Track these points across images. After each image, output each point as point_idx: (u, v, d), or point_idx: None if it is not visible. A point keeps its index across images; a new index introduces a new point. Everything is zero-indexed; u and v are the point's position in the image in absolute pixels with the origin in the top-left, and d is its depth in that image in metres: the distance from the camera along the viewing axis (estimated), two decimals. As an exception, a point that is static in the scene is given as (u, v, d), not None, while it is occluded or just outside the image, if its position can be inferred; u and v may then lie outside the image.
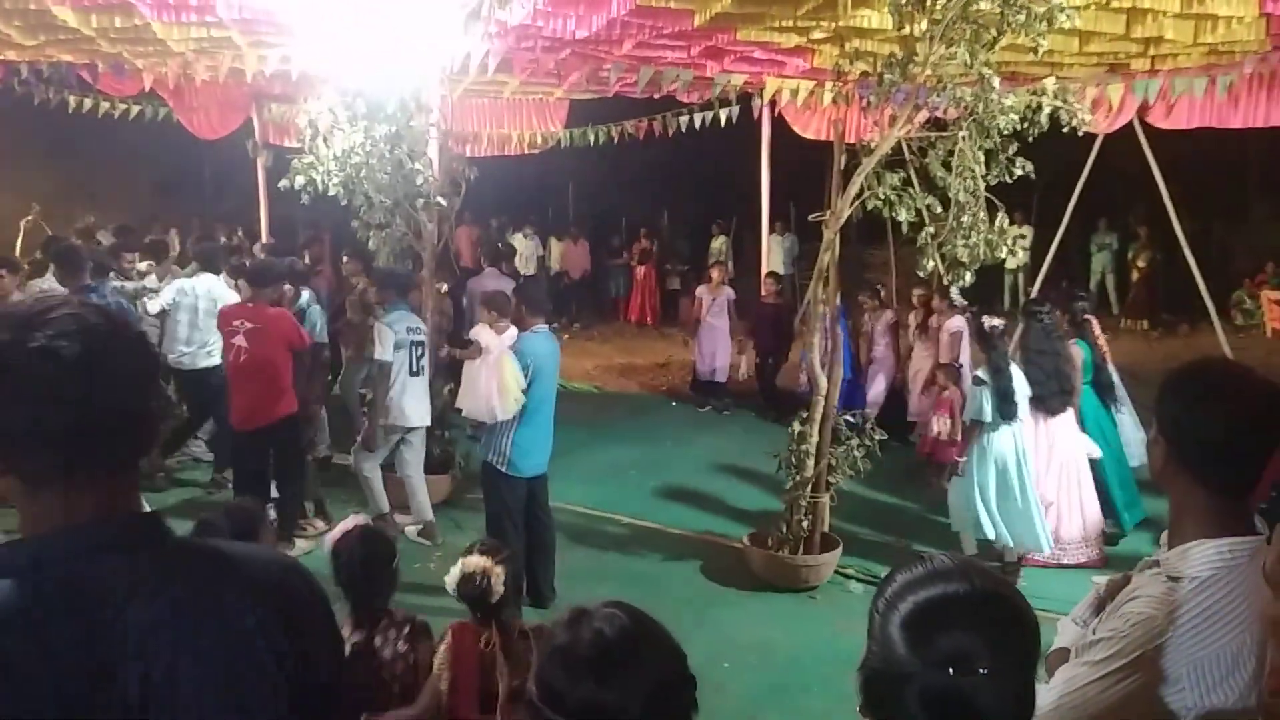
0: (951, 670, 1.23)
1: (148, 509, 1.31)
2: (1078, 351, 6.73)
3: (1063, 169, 9.13)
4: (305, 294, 7.63)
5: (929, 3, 5.26)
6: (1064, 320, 6.90)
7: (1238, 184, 17.59)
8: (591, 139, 12.23)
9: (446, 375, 7.63)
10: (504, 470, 5.65)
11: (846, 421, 6.32)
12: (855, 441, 6.21)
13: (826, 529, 6.29)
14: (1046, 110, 5.54)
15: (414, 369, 6.74)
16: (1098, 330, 7.22)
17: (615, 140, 12.10)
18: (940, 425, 7.82)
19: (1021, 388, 6.20)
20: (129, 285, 7.91)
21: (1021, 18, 5.14)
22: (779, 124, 10.59)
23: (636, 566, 6.51)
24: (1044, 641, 1.41)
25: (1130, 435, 7.00)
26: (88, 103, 10.39)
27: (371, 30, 6.52)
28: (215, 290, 7.58)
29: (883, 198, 5.61)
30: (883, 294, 9.76)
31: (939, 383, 8.03)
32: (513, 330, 6.19)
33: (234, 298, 7.50)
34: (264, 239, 11.55)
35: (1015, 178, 5.59)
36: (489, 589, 3.19)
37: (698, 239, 18.64)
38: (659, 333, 16.41)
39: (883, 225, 6.38)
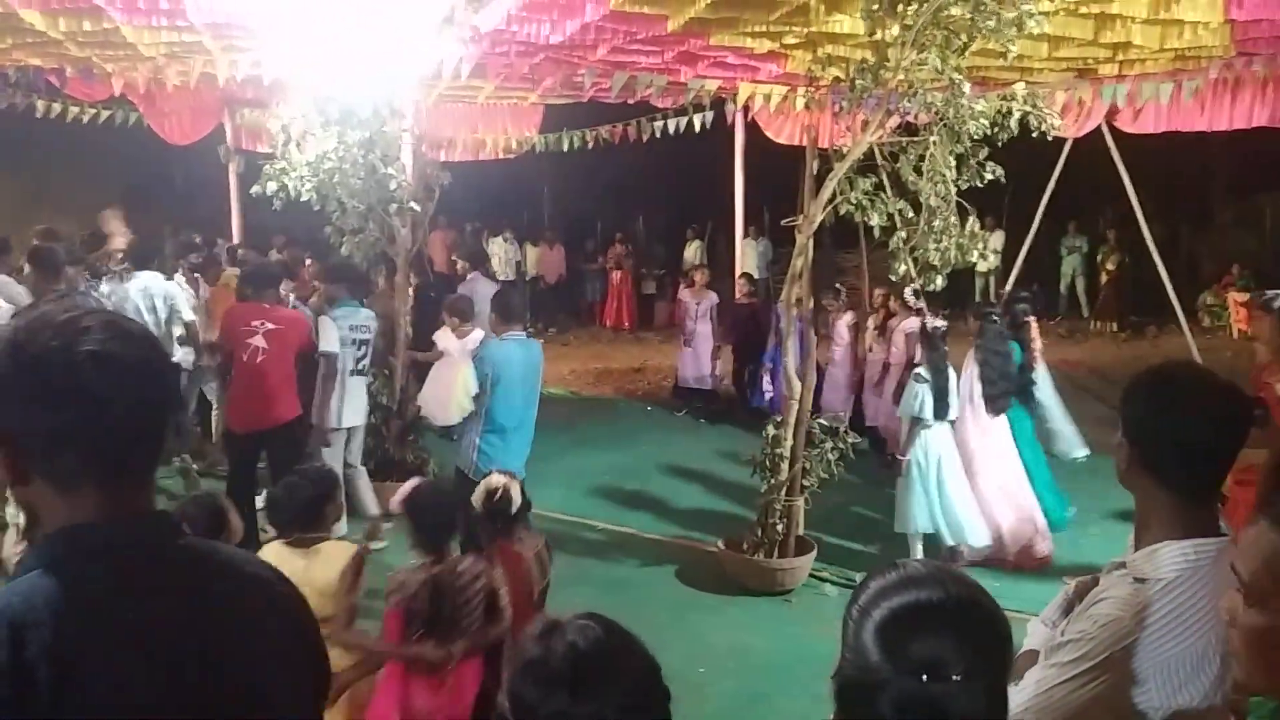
0: (925, 677, 1.23)
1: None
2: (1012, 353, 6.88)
3: (1033, 173, 9.23)
4: (291, 298, 7.55)
5: (900, 9, 5.30)
6: (1004, 321, 7.03)
7: (1204, 188, 17.86)
8: (566, 144, 12.21)
9: (416, 380, 7.60)
10: (472, 477, 5.62)
11: (820, 424, 6.37)
12: (829, 444, 6.25)
13: (801, 532, 6.31)
14: (1016, 115, 5.60)
15: (351, 369, 6.63)
16: (1035, 333, 7.34)
17: (590, 145, 12.08)
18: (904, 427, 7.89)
19: (959, 387, 6.39)
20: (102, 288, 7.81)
21: (991, 23, 5.19)
22: (752, 129, 10.63)
23: (613, 572, 6.50)
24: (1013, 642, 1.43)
25: (1065, 429, 7.12)
26: (56, 107, 10.27)
27: (344, 35, 6.48)
28: (153, 286, 7.50)
29: (855, 202, 5.64)
30: (844, 296, 9.71)
31: (899, 381, 8.13)
32: (476, 334, 6.17)
33: (175, 291, 7.44)
34: (232, 240, 11.45)
35: (986, 182, 5.65)
36: (509, 501, 3.71)
37: (672, 243, 18.68)
38: (634, 337, 16.43)
39: (855, 229, 6.42)
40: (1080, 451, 7.44)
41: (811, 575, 6.31)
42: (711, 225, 17.21)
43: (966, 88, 5.48)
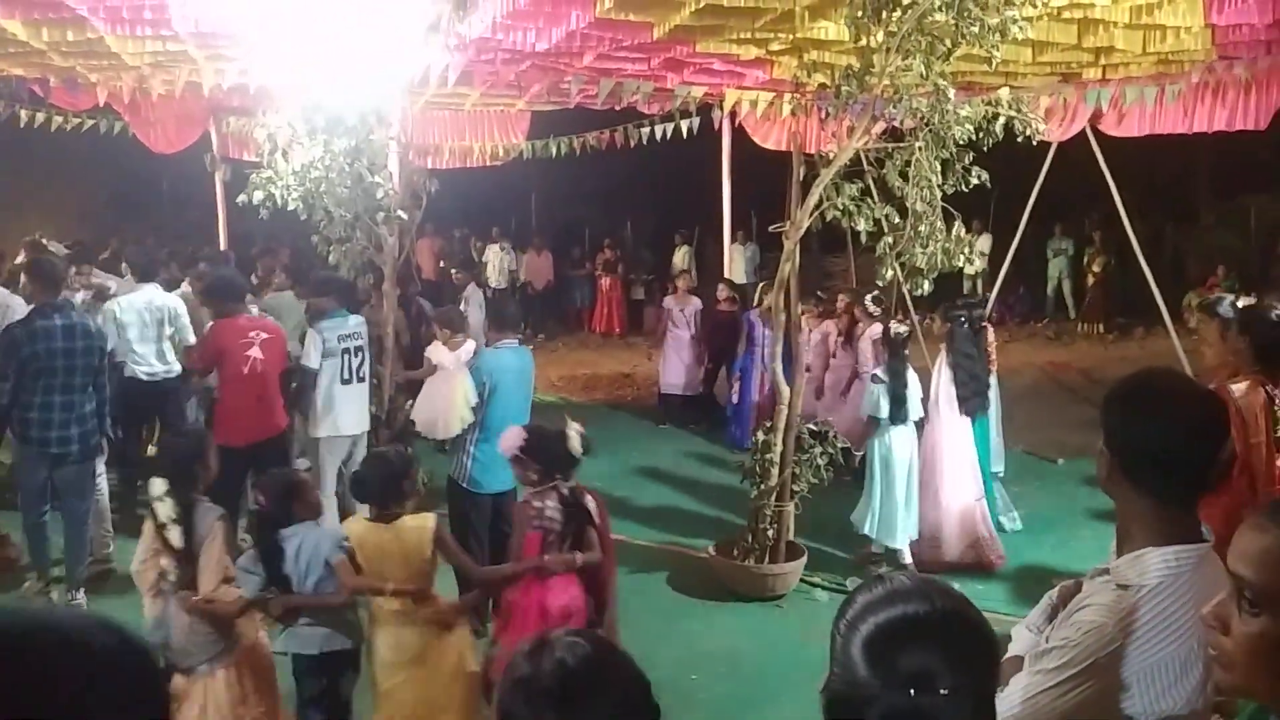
0: (913, 691, 1.23)
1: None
2: None
3: (1018, 177, 9.28)
4: (253, 309, 7.43)
5: (885, 15, 5.32)
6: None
7: (1188, 190, 17.97)
8: (554, 150, 12.23)
9: (407, 390, 7.57)
10: (466, 486, 5.62)
11: (810, 430, 6.39)
12: (819, 450, 6.26)
13: (791, 538, 6.32)
14: (1001, 120, 5.63)
15: (345, 377, 6.59)
16: (991, 339, 7.40)
17: (577, 151, 12.11)
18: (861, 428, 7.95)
19: (916, 393, 6.47)
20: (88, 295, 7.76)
21: (975, 29, 5.22)
22: (739, 134, 10.65)
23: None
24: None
25: (994, 441, 7.20)
26: (40, 117, 10.22)
27: (330, 44, 6.48)
28: (156, 299, 7.48)
29: (841, 208, 5.66)
30: (822, 306, 9.59)
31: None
32: (469, 346, 6.17)
33: (177, 304, 7.42)
34: (216, 249, 11.40)
35: (971, 187, 5.67)
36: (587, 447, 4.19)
37: (661, 249, 18.69)
38: (624, 343, 16.42)
39: (843, 234, 6.46)
40: (998, 465, 7.51)
41: (802, 580, 6.32)
42: (699, 230, 17.24)
43: (951, 93, 5.50)
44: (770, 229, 6.51)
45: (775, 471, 6.14)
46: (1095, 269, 15.81)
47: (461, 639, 4.06)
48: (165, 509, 3.85)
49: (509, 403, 5.69)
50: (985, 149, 5.66)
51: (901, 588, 1.34)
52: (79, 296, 7.62)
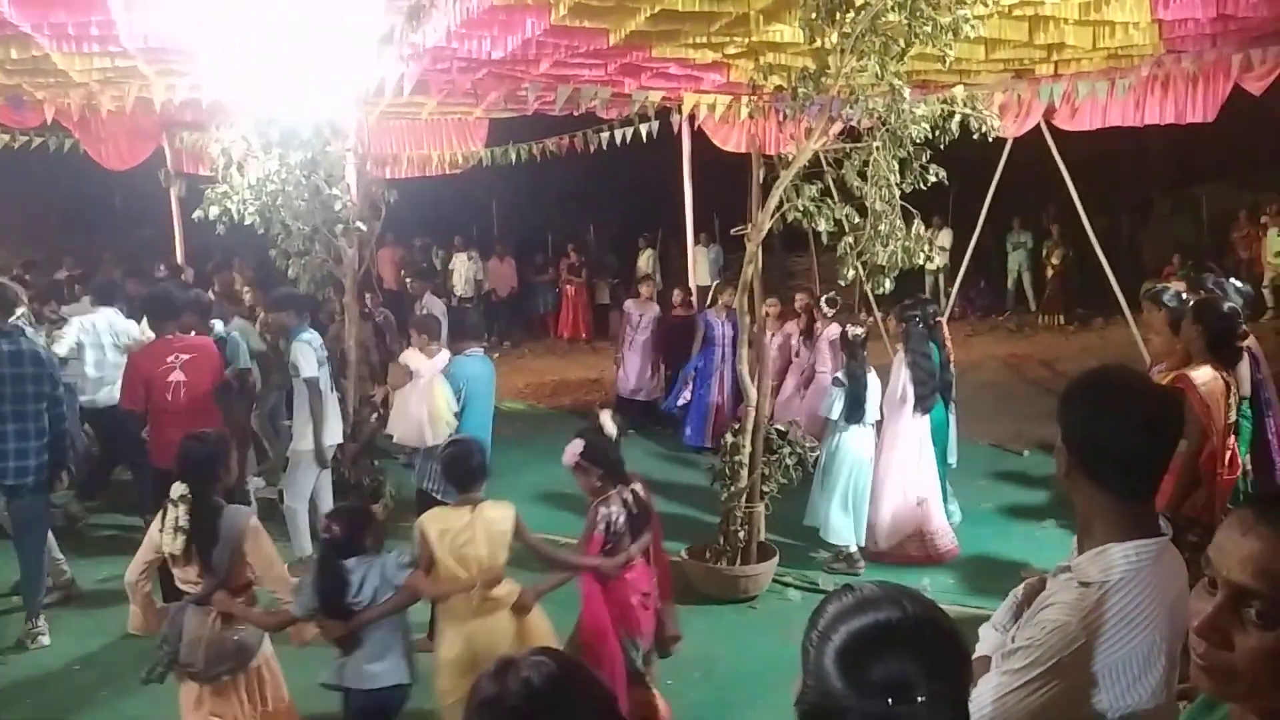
0: (891, 700, 1.22)
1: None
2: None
3: (975, 172, 9.38)
4: (218, 324, 7.33)
5: (839, 17, 5.35)
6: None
7: (1142, 181, 18.25)
8: (513, 157, 12.19)
9: (371, 404, 7.51)
10: (439, 497, 5.57)
11: (777, 430, 6.41)
12: (787, 450, 6.28)
13: (763, 538, 6.34)
14: (957, 118, 5.68)
15: (332, 386, 6.62)
16: (946, 333, 7.47)
17: (537, 158, 12.08)
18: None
19: (875, 394, 6.52)
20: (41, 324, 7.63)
21: (928, 29, 5.26)
22: (699, 136, 10.67)
23: (576, 586, 6.45)
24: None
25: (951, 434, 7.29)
26: (-13, 136, 10.03)
27: (282, 56, 6.41)
28: (117, 324, 7.36)
29: (802, 209, 5.68)
30: (775, 309, 9.52)
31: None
32: (444, 354, 6.14)
33: (134, 329, 7.31)
34: (165, 268, 11.25)
35: (929, 184, 5.72)
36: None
37: (624, 252, 18.69)
38: (590, 348, 16.39)
39: (804, 234, 6.49)
40: (952, 458, 7.59)
41: (775, 580, 6.33)
42: (663, 233, 17.26)
43: (907, 92, 5.54)
44: (732, 232, 6.52)
45: (745, 473, 6.15)
46: (1054, 261, 16.00)
47: (540, 623, 4.14)
48: (180, 514, 3.79)
49: (479, 410, 5.71)
50: (942, 147, 5.70)
51: (872, 595, 1.33)
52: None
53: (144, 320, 7.37)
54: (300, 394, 6.46)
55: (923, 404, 6.66)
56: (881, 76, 5.43)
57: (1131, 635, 1.74)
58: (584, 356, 15.58)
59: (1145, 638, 1.74)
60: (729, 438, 6.29)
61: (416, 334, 6.49)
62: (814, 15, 5.38)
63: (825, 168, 5.82)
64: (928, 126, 5.58)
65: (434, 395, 5.64)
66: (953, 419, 7.33)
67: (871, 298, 9.38)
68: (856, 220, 5.71)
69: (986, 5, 5.46)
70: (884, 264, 5.74)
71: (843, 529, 6.54)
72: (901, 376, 6.65)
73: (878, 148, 5.59)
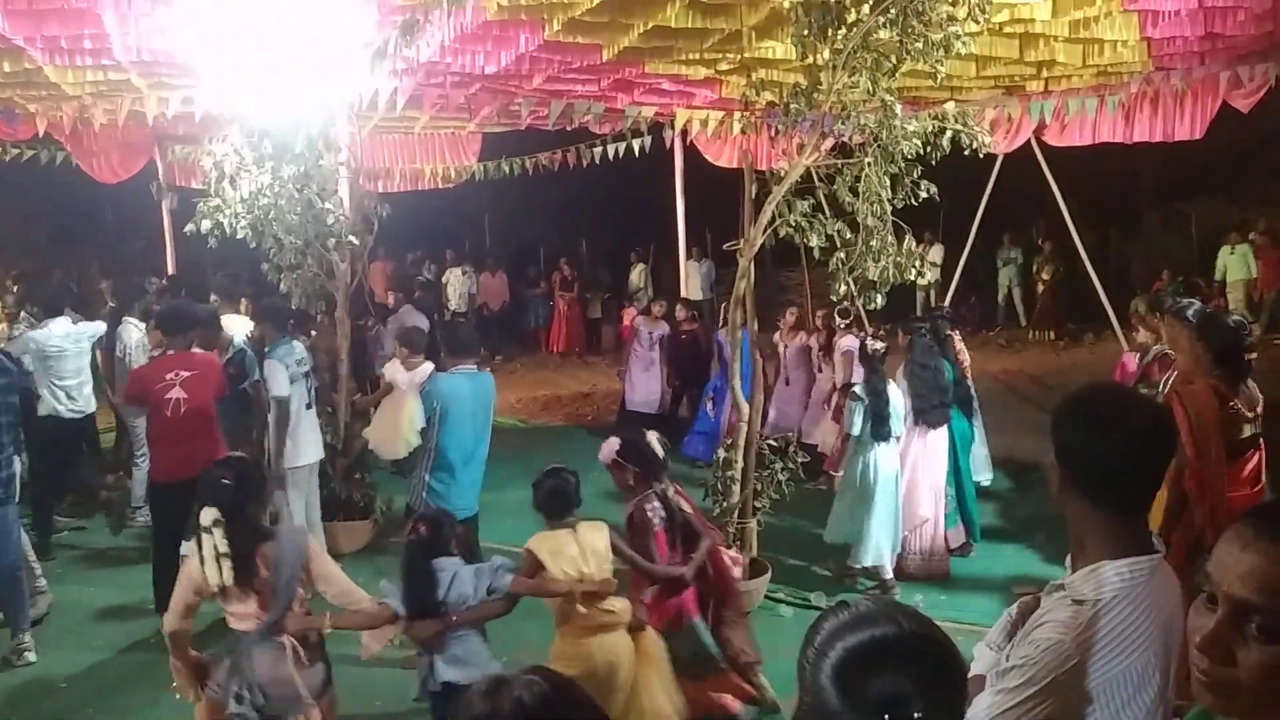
0: (887, 716, 1.21)
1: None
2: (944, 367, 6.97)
3: (966, 188, 9.43)
4: (238, 336, 7.21)
5: (831, 33, 5.38)
6: (931, 336, 7.11)
7: (1131, 196, 18.37)
8: (506, 171, 12.22)
9: (363, 416, 7.48)
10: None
11: (770, 446, 6.39)
12: (779, 465, 6.27)
13: (755, 554, 6.32)
14: (948, 134, 5.71)
15: (308, 403, 6.53)
16: (959, 345, 7.45)
17: (530, 172, 12.10)
18: (839, 445, 8.00)
19: (899, 408, 6.40)
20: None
21: (920, 45, 5.29)
22: (691, 152, 10.71)
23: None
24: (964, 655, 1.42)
25: (978, 451, 7.24)
26: (-23, 149, 10.02)
27: (276, 70, 6.41)
28: (71, 333, 7.36)
29: (794, 224, 5.70)
30: (793, 317, 9.71)
31: (837, 403, 8.21)
32: (426, 367, 6.09)
33: (97, 330, 7.34)
34: (162, 279, 11.21)
35: (921, 200, 5.74)
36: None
37: (616, 267, 18.71)
38: (582, 362, 16.38)
39: (796, 249, 6.49)
40: (985, 475, 7.55)
41: (767, 597, 6.30)
42: (654, 248, 17.29)
43: (898, 108, 5.57)
44: (724, 247, 6.53)
45: (737, 489, 6.14)
46: (1044, 276, 16.07)
47: (655, 639, 4.22)
48: (218, 542, 3.50)
49: (462, 429, 5.56)
50: (933, 163, 5.73)
51: (868, 612, 1.32)
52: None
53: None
54: (271, 412, 6.39)
55: (923, 417, 6.56)
56: (873, 93, 5.46)
57: (1126, 653, 1.73)
58: (576, 371, 15.56)
59: (1140, 655, 1.74)
60: (721, 453, 6.28)
61: (398, 346, 6.48)
62: (806, 32, 5.41)
63: (817, 183, 5.83)
64: (919, 142, 5.61)
65: (401, 411, 5.61)
66: (978, 433, 7.25)
67: (863, 313, 9.40)
68: (848, 236, 5.72)
69: (977, 22, 5.50)
70: (875, 279, 5.76)
71: (876, 549, 6.35)
72: (900, 390, 6.62)
73: (869, 163, 5.62)
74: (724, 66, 7.34)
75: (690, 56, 6.98)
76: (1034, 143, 8.97)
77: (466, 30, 5.83)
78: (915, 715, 1.21)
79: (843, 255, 5.74)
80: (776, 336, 9.71)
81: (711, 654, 4.51)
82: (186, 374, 6.01)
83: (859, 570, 6.51)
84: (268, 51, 6.22)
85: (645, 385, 10.65)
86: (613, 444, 4.51)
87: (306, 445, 6.52)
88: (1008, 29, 6.48)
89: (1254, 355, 4.86)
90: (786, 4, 5.60)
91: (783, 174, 5.74)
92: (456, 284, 16.97)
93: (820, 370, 9.16)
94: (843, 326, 8.59)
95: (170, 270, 11.59)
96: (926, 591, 6.38)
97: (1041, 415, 7.55)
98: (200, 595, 3.58)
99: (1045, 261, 16.01)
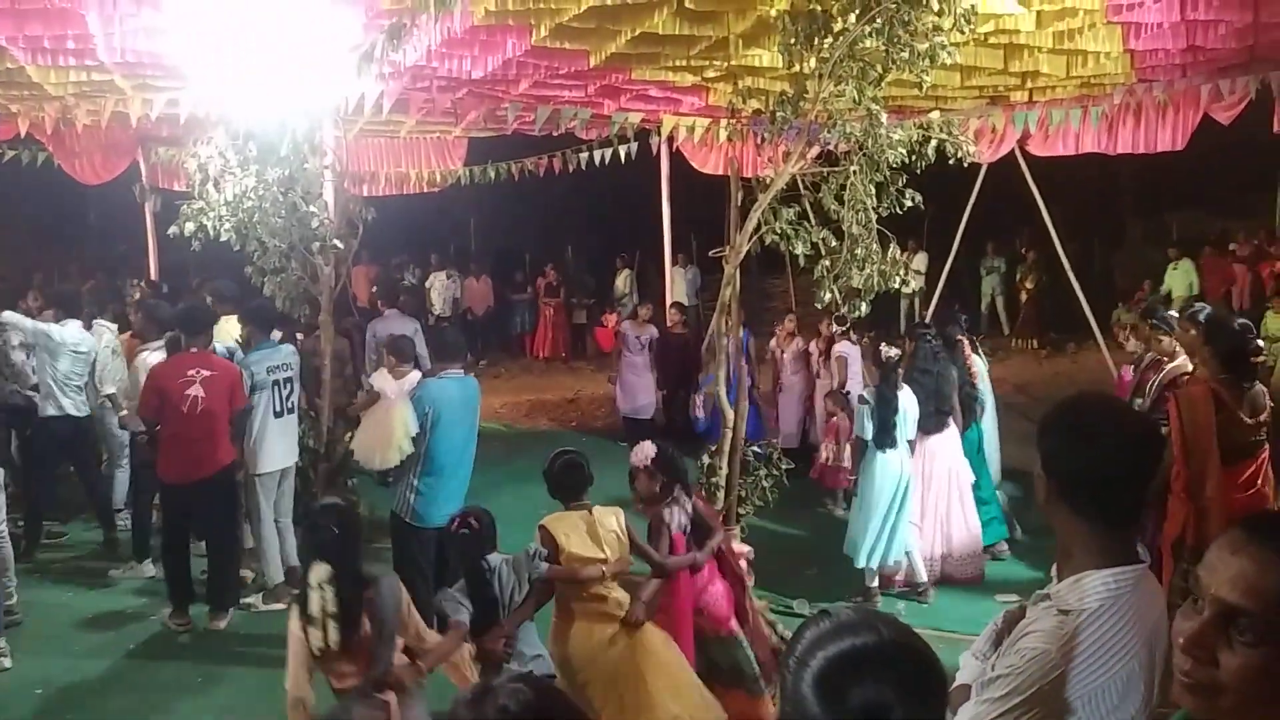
0: None
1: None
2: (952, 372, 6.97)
3: (951, 197, 9.47)
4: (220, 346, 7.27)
5: (817, 42, 5.40)
6: (938, 342, 7.12)
7: (1114, 207, 18.51)
8: (492, 176, 12.19)
9: (348, 422, 7.44)
10: (409, 521, 5.53)
11: (754, 452, 6.40)
12: (763, 472, 6.28)
13: (739, 560, 6.31)
14: (933, 143, 5.74)
15: (278, 410, 6.50)
16: (969, 351, 7.47)
17: (516, 177, 12.08)
18: (827, 450, 8.03)
19: (911, 415, 6.38)
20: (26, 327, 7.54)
21: (905, 55, 5.31)
22: (677, 159, 10.72)
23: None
24: (948, 663, 1.42)
25: (993, 456, 7.26)
26: (-44, 150, 9.93)
27: (262, 73, 6.38)
28: (85, 339, 7.34)
29: (779, 232, 5.71)
30: (791, 324, 9.77)
31: (828, 409, 8.22)
32: (414, 375, 6.09)
33: (91, 341, 7.33)
34: (142, 281, 11.15)
35: (905, 209, 5.76)
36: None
37: (602, 272, 18.71)
38: (567, 367, 16.36)
39: (782, 256, 6.50)
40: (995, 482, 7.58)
41: (750, 603, 6.31)
42: (640, 254, 17.30)
43: (884, 117, 5.60)
44: (710, 254, 6.54)
45: (721, 495, 6.14)
46: (1028, 286, 16.16)
47: (655, 634, 4.22)
48: (327, 600, 3.29)
49: (452, 434, 5.60)
50: (918, 171, 5.75)
51: (849, 620, 1.33)
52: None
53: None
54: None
55: (925, 424, 6.53)
56: (859, 101, 5.48)
57: (1110, 663, 1.74)
58: (561, 376, 15.55)
59: (1124, 665, 1.74)
60: (705, 459, 6.28)
61: (388, 354, 6.46)
62: (793, 40, 5.42)
63: (803, 191, 5.85)
64: (904, 151, 5.63)
65: (392, 419, 5.59)
66: (989, 438, 7.26)
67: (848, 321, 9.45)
68: (833, 243, 5.74)
69: (963, 33, 5.52)
70: (860, 287, 5.78)
71: (868, 553, 6.35)
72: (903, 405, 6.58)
73: (855, 172, 5.64)
74: (711, 74, 7.35)
75: (677, 63, 6.98)
76: (1018, 153, 9.03)
77: (454, 35, 5.82)
78: None
79: (827, 263, 5.76)
80: (773, 343, 9.74)
81: (744, 670, 4.47)
82: (206, 373, 6.04)
83: (876, 585, 6.45)
84: (254, 54, 6.19)
85: (638, 391, 10.64)
86: (649, 450, 4.52)
87: (274, 452, 6.49)
88: (992, 40, 6.52)
89: (1261, 359, 4.88)
90: (773, 12, 5.61)
91: (769, 181, 5.75)
92: (440, 288, 16.92)
93: (819, 375, 9.20)
94: (839, 333, 8.61)
95: (153, 273, 11.51)
96: (909, 599, 6.40)
97: (1024, 424, 7.65)
98: (313, 656, 3.37)
99: (1028, 271, 16.11)
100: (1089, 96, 8.23)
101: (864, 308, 5.94)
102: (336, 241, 7.26)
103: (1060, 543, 1.91)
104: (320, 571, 3.36)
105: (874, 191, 5.67)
